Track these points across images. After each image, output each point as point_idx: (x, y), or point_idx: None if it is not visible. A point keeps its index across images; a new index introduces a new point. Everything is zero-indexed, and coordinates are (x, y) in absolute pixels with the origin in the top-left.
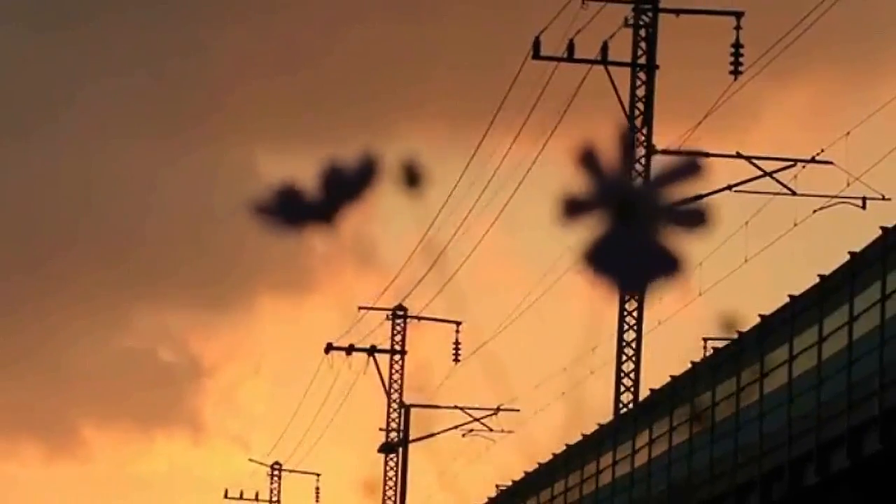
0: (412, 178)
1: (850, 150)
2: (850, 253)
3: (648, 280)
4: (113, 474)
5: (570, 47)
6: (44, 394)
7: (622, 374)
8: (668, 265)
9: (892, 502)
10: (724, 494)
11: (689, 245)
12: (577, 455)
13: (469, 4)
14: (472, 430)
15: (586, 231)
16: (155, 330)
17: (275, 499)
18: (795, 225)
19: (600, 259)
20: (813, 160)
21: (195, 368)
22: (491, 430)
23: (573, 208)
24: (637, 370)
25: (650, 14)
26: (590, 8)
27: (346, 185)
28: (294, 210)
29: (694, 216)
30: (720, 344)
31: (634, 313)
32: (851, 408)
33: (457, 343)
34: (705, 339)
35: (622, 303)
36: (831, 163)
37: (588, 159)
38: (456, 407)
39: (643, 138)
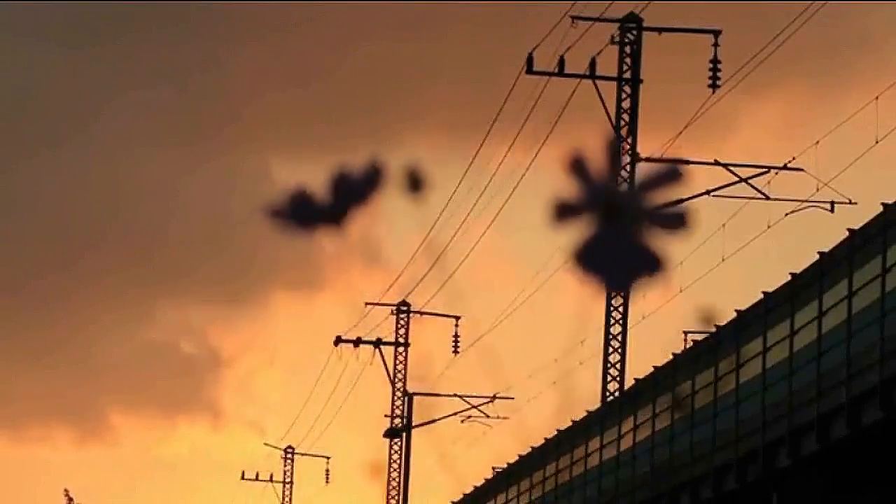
0: (415, 183)
1: (820, 158)
2: (819, 253)
3: (633, 278)
4: (138, 457)
5: (561, 63)
6: (75, 383)
7: (609, 365)
8: (651, 264)
9: (859, 484)
10: (703, 476)
11: (670, 245)
12: (567, 439)
13: (468, 23)
14: (470, 417)
15: (576, 233)
16: (177, 324)
17: (288, 480)
18: (769, 227)
19: (589, 259)
20: (785, 167)
21: (214, 359)
22: (488, 416)
23: (564, 212)
24: (623, 361)
25: (635, 32)
26: (579, 26)
27: (353, 190)
28: (306, 213)
29: (675, 219)
30: (699, 337)
31: (620, 308)
32: (821, 396)
33: (456, 336)
34: (685, 333)
35: (609, 299)
36: (802, 170)
37: (577, 167)
38: (455, 395)
39: (628, 147)
